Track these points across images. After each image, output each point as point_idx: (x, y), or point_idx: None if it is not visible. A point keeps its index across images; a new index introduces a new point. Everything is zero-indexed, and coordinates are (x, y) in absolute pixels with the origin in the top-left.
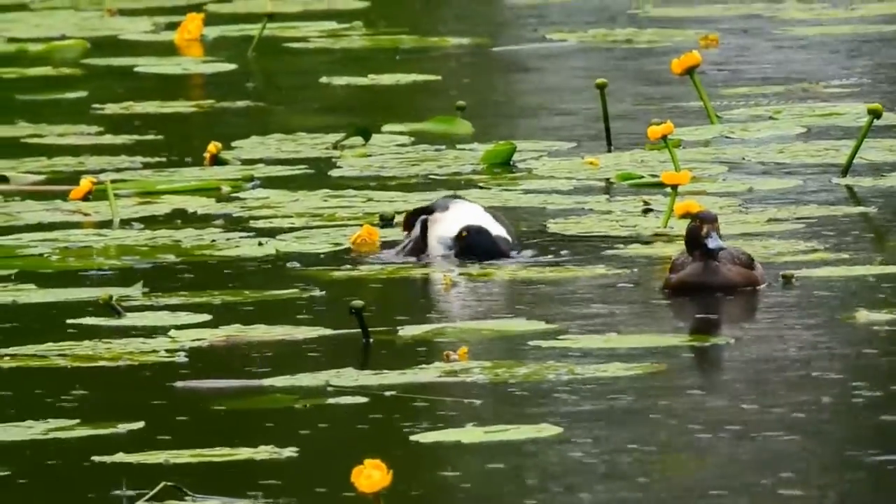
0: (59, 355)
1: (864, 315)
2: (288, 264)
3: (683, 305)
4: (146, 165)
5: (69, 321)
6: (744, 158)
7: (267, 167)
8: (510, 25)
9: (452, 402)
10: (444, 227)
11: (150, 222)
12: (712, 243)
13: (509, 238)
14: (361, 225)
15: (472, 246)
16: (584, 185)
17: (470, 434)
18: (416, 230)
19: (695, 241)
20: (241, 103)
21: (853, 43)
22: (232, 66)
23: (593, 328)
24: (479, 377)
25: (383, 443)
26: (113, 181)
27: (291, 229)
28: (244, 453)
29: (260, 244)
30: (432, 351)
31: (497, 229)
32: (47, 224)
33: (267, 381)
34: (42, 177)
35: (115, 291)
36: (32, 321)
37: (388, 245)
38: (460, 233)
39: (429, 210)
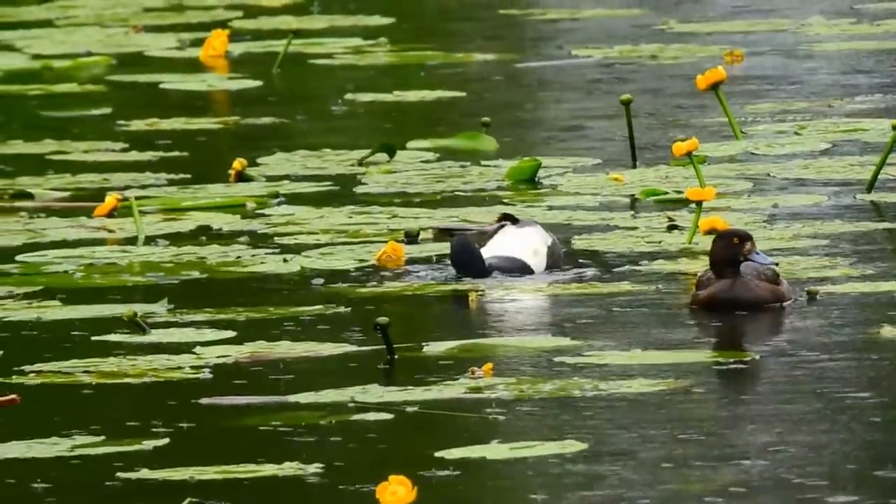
0: (85, 372)
1: (888, 330)
2: (313, 281)
3: (708, 321)
4: (171, 182)
5: (94, 338)
6: (768, 174)
7: (292, 184)
8: (535, 41)
9: (477, 418)
10: (509, 235)
11: (175, 239)
12: (763, 259)
13: (536, 267)
14: (386, 241)
15: (454, 260)
16: (609, 202)
17: (495, 450)
18: (493, 227)
19: (730, 260)
20: (266, 120)
21: (878, 58)
22: (257, 83)
23: (618, 344)
24: (503, 393)
25: (408, 459)
26: (138, 198)
27: (316, 246)
28: (269, 469)
29: (285, 261)
30: (457, 367)
31: (535, 253)
32: (72, 241)
33: (292, 398)
34: (67, 193)
35: (140, 308)
36: (57, 338)
37: (413, 262)
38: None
39: (514, 219)
